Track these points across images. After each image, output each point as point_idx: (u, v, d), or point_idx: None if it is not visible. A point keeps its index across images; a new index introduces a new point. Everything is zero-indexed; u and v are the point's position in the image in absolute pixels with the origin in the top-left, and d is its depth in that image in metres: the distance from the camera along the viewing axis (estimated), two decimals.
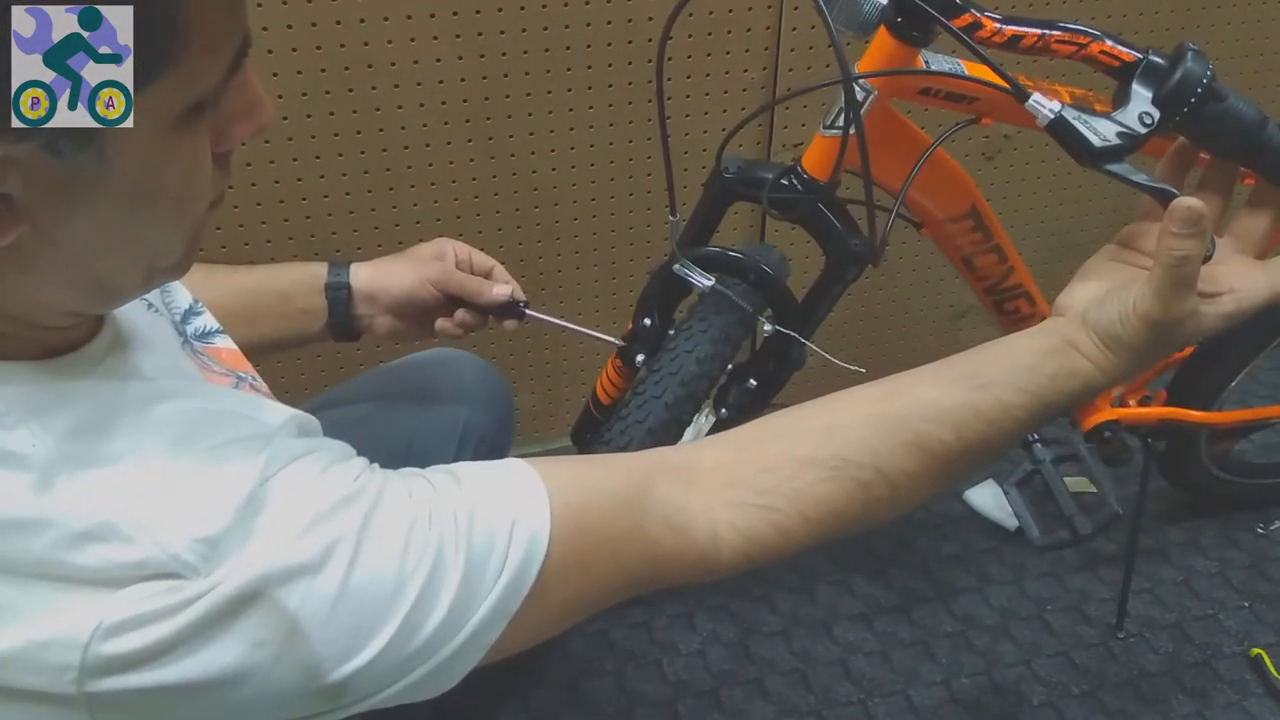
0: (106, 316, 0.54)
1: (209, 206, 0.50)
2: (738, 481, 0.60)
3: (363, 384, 1.02)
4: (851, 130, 0.86)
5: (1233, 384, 1.37)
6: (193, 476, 0.47)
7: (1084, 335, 0.61)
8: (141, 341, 0.56)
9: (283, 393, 1.56)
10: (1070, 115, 0.83)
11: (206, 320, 0.69)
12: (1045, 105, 0.84)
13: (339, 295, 0.89)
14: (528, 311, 0.94)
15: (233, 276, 0.87)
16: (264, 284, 0.88)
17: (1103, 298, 0.62)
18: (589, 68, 1.36)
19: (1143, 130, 0.85)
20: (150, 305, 0.63)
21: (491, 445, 0.98)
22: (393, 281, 0.90)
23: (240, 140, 0.50)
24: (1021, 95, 0.84)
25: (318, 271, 0.89)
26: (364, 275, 0.89)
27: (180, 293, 0.69)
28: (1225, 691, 1.35)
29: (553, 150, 1.41)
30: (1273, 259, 0.64)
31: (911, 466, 0.60)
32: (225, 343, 0.69)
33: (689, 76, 1.40)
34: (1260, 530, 1.59)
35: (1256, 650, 1.39)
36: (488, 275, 0.95)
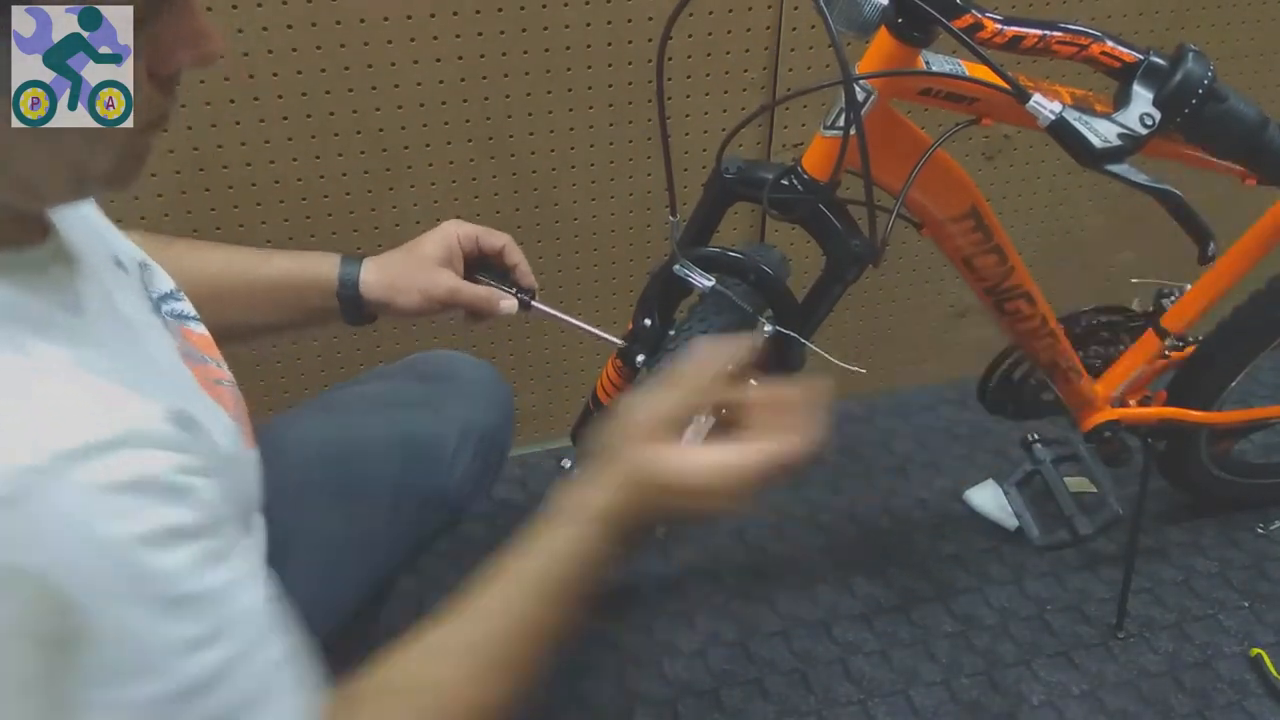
0: (51, 230, 0.55)
1: (147, 126, 0.50)
2: None
3: (366, 381, 1.03)
4: (852, 131, 0.86)
5: (1233, 384, 1.37)
6: (59, 402, 0.47)
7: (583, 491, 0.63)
8: (94, 276, 0.57)
9: (283, 392, 1.56)
10: (1071, 116, 0.83)
11: (184, 306, 0.71)
12: (1046, 106, 0.84)
13: (350, 297, 0.90)
14: (534, 304, 0.97)
15: (255, 263, 0.89)
16: (283, 279, 0.90)
17: None
18: (589, 68, 1.36)
19: (1144, 131, 0.85)
20: (120, 264, 0.64)
21: (491, 444, 0.99)
22: (403, 300, 0.91)
23: (183, 65, 0.50)
24: (1022, 96, 0.84)
25: (329, 274, 0.90)
26: (374, 286, 0.90)
27: (160, 277, 0.70)
28: (1225, 691, 1.35)
29: (553, 150, 1.41)
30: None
31: (501, 684, 0.61)
32: (198, 328, 0.71)
33: (689, 76, 1.40)
34: (1260, 530, 1.59)
35: (1256, 650, 1.39)
36: (499, 254, 0.96)
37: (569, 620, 0.62)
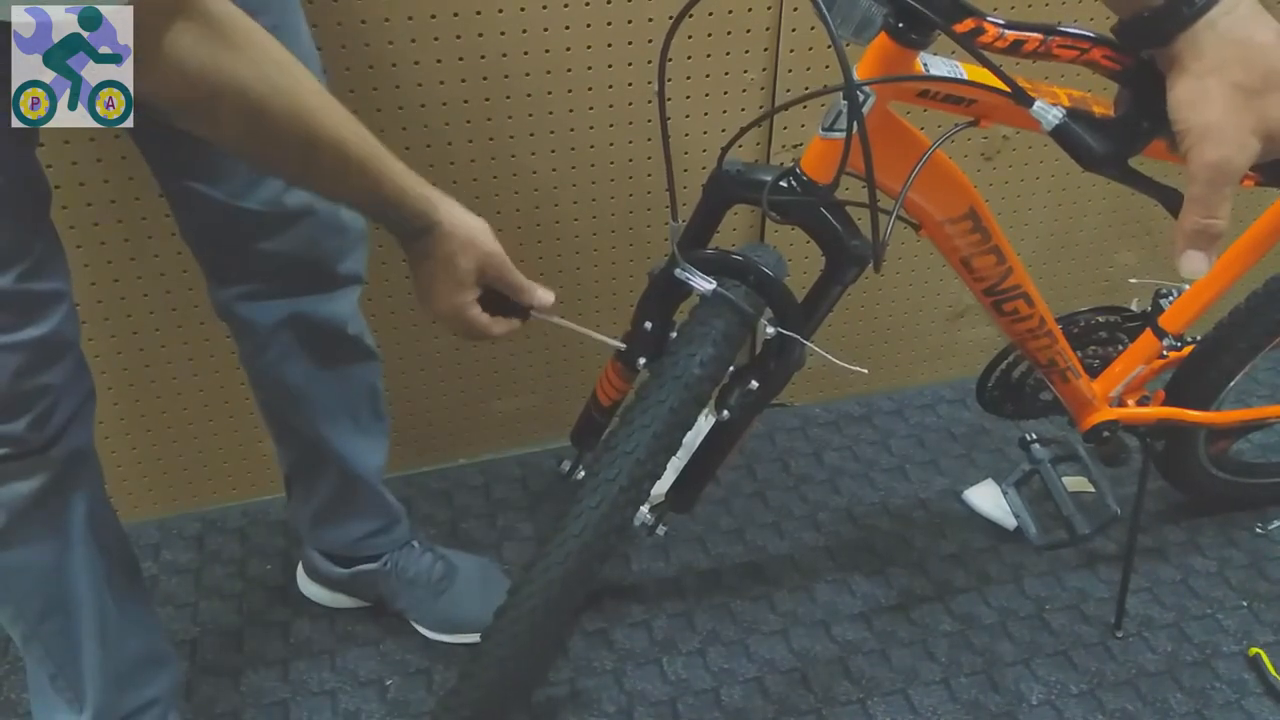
0: None
1: None
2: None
3: None
4: (855, 134, 0.86)
5: (1231, 384, 1.37)
6: None
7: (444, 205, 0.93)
8: None
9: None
10: (1073, 120, 0.83)
11: None
12: (1050, 111, 0.84)
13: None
14: (532, 312, 0.97)
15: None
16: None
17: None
18: (589, 68, 1.36)
19: (1144, 133, 0.85)
20: None
21: None
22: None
23: None
24: (1025, 101, 0.84)
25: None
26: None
27: None
28: (1223, 691, 1.36)
29: (553, 150, 1.41)
30: None
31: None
32: None
33: (689, 77, 1.40)
34: (1259, 530, 1.59)
35: (1255, 649, 1.40)
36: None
37: (339, 186, 0.87)
